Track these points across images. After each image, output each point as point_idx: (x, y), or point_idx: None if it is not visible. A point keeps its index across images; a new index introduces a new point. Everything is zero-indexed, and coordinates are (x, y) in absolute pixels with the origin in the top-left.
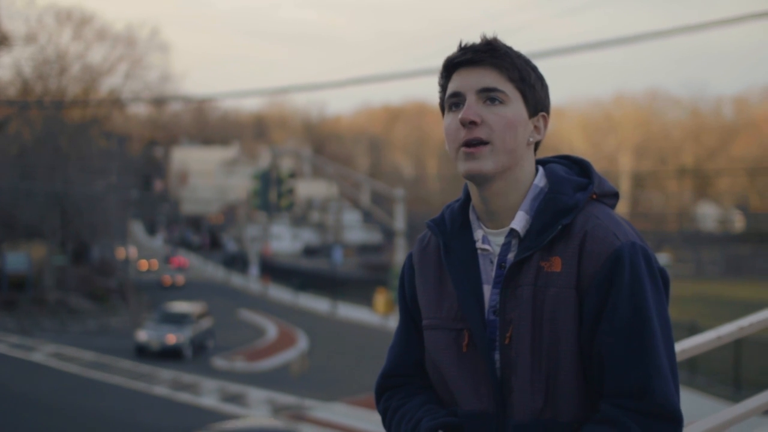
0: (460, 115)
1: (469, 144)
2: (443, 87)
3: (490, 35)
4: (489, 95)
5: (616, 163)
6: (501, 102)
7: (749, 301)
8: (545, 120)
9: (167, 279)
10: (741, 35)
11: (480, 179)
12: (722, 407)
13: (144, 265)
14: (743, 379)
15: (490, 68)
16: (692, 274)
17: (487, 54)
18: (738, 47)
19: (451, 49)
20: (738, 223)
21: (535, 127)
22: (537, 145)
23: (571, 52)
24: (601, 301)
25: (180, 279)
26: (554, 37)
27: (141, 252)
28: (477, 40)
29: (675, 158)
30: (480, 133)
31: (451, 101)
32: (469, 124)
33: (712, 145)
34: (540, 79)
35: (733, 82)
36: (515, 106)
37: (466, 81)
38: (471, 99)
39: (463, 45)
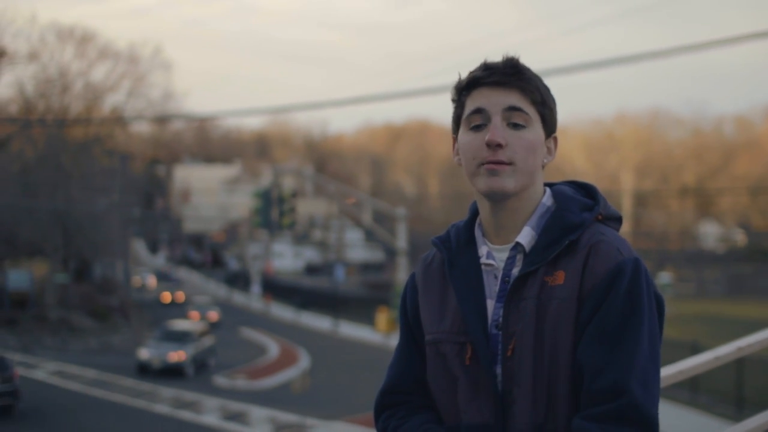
0: (486, 136)
1: (491, 162)
2: (460, 103)
3: (512, 54)
4: (513, 118)
5: (618, 182)
6: (524, 125)
7: (752, 320)
8: (556, 141)
9: (195, 315)
10: (742, 55)
11: (500, 197)
12: (724, 427)
13: (167, 297)
14: (745, 398)
15: (515, 90)
16: (694, 293)
17: (513, 77)
18: (739, 67)
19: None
20: (740, 242)
21: (548, 148)
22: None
23: (574, 71)
24: (596, 307)
25: (213, 315)
26: (557, 57)
27: (142, 269)
28: (498, 58)
29: (677, 177)
30: (503, 155)
31: (473, 118)
32: (495, 146)
33: (713, 164)
34: (554, 101)
35: (735, 102)
36: (536, 129)
37: (491, 100)
38: (497, 120)
39: (487, 64)
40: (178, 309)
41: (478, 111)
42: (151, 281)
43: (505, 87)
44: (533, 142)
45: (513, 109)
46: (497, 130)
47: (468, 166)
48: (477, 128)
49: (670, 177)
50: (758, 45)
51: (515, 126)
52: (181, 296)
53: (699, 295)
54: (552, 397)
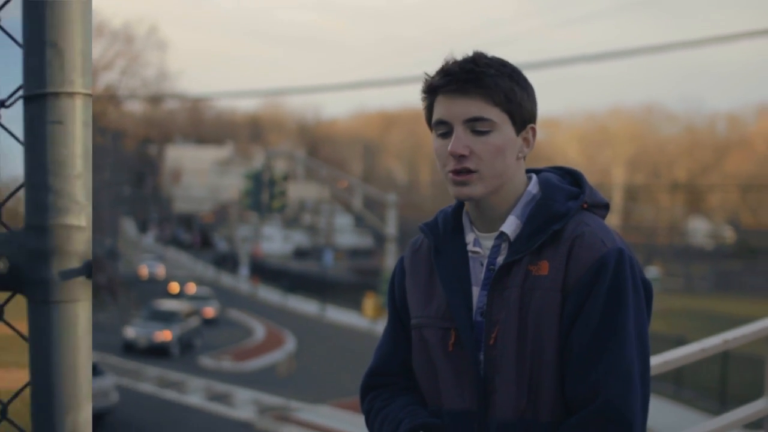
0: (449, 147)
1: (457, 172)
2: (427, 107)
3: (471, 52)
4: (476, 127)
5: (610, 176)
6: (489, 130)
7: (738, 316)
8: (533, 131)
9: (209, 311)
10: (737, 53)
11: (470, 201)
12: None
13: (175, 288)
14: (729, 393)
15: (475, 98)
16: (682, 288)
17: (471, 84)
18: (734, 65)
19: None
20: (729, 238)
21: (524, 139)
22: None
23: (569, 63)
24: (581, 302)
25: (209, 311)
26: (553, 48)
27: (131, 249)
28: (460, 55)
29: (668, 172)
30: (469, 163)
31: (438, 127)
32: (458, 156)
33: (705, 161)
34: (526, 90)
35: (729, 99)
36: (503, 131)
37: (451, 110)
38: (459, 130)
39: (445, 69)
40: (188, 300)
41: (442, 122)
42: (160, 270)
43: (464, 95)
44: (499, 145)
45: (474, 119)
46: (458, 141)
47: (441, 171)
48: (443, 135)
49: (662, 172)
50: (753, 44)
51: (479, 133)
52: (192, 287)
53: (686, 291)
54: (533, 386)
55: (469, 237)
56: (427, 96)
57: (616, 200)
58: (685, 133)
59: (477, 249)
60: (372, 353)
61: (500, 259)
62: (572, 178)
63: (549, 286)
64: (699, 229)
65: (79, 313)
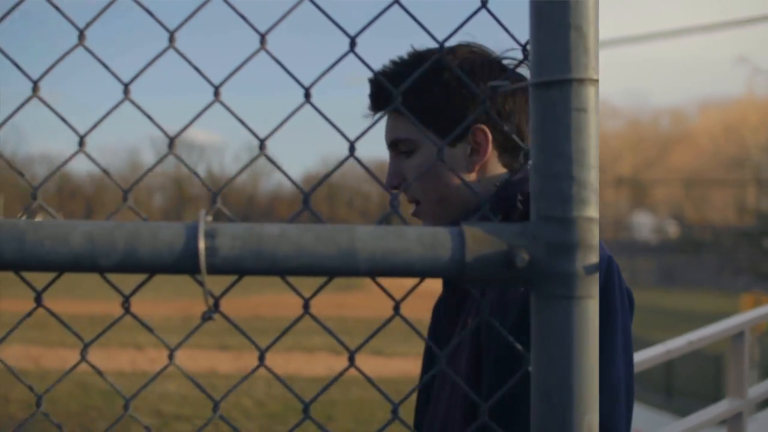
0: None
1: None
2: None
3: (390, 59)
4: (399, 147)
5: None
6: (410, 150)
7: (682, 310)
8: (482, 132)
9: None
10: (681, 48)
11: None
12: (655, 416)
13: None
14: (674, 388)
15: (391, 116)
16: (627, 282)
17: (380, 103)
18: (677, 60)
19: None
20: (673, 233)
21: (475, 143)
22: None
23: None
24: None
25: None
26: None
27: None
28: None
29: (613, 167)
30: (408, 194)
31: None
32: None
33: (649, 156)
34: (457, 90)
35: (672, 95)
36: (426, 148)
37: (384, 131)
38: (390, 156)
39: (370, 80)
40: None
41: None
42: None
43: (385, 114)
44: (423, 166)
45: (394, 142)
46: (389, 170)
47: None
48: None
49: (607, 167)
50: (697, 39)
51: (405, 154)
52: None
53: (632, 285)
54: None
55: None
56: None
57: None
58: (630, 128)
59: None
60: None
61: None
62: None
63: None
64: (643, 224)
65: (594, 309)
